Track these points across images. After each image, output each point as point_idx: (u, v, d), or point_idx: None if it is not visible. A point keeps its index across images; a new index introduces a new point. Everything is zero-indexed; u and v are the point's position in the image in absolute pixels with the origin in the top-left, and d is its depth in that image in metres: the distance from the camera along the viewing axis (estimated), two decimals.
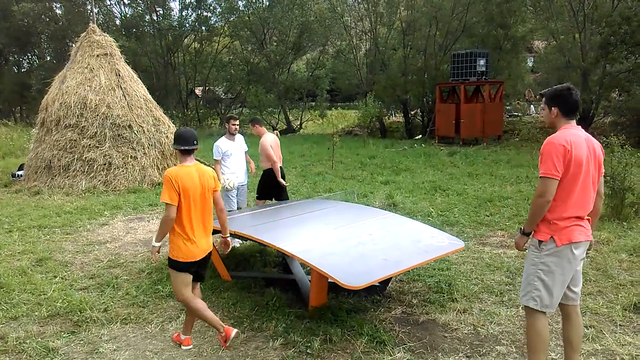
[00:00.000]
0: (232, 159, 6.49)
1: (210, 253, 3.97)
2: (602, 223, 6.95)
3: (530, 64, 26.14)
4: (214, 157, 6.44)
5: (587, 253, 3.30)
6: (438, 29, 20.95)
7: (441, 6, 20.58)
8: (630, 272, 5.28)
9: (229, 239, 4.17)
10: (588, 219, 3.21)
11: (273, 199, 6.87)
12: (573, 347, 3.30)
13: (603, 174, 3.30)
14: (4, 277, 5.44)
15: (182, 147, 3.82)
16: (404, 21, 22.33)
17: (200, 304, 3.83)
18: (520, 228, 3.29)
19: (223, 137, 6.61)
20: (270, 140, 6.67)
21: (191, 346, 3.98)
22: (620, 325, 4.14)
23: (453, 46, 20.76)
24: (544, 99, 3.27)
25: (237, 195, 6.67)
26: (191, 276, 3.85)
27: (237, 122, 6.66)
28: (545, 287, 3.13)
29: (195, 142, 3.86)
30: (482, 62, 17.60)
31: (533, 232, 3.20)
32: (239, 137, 6.71)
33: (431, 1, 20.83)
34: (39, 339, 4.11)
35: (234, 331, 3.85)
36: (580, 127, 3.21)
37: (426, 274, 5.35)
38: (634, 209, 7.13)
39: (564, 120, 3.18)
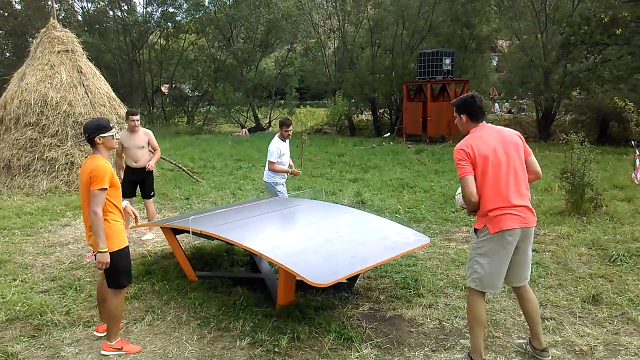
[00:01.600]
0: (284, 159, 6.75)
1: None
2: (563, 218, 7.17)
3: (495, 63, 26.68)
4: (271, 159, 6.57)
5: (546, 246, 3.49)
6: (405, 28, 21.18)
7: (408, 5, 20.82)
8: (589, 265, 5.46)
9: (101, 253, 3.60)
10: (526, 207, 3.43)
11: None
12: (533, 319, 3.63)
13: (531, 154, 3.57)
14: None
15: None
16: (371, 19, 22.49)
17: None
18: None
19: (276, 138, 6.72)
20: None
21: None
22: (579, 317, 4.27)
23: (420, 45, 21.03)
24: (454, 109, 3.64)
25: (283, 193, 6.79)
26: None
27: (291, 128, 6.82)
28: (482, 269, 3.44)
29: (84, 134, 3.76)
30: (447, 61, 17.89)
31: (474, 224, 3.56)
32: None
33: (398, 0, 21.03)
34: None
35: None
36: (489, 125, 3.55)
37: (393, 270, 5.41)
38: (593, 204, 7.37)
39: (473, 124, 3.56)
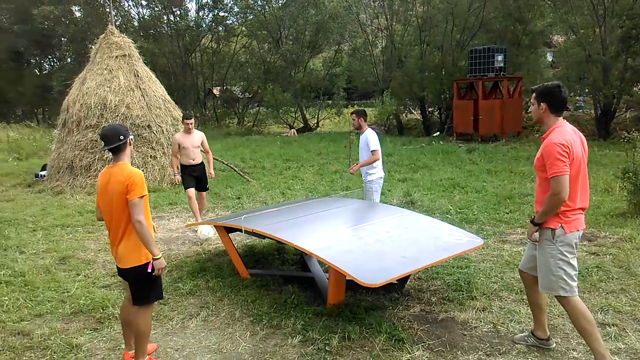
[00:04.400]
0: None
1: (133, 273, 3.50)
2: (625, 220, 6.84)
3: (550, 59, 25.73)
4: (375, 148, 6.33)
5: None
6: (455, 25, 20.76)
7: (458, 2, 20.40)
8: None
9: (157, 259, 3.48)
10: (585, 208, 3.45)
11: None
12: (542, 308, 3.70)
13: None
14: (28, 275, 5.57)
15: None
16: (420, 18, 22.19)
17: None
18: (532, 218, 3.48)
19: (371, 130, 6.55)
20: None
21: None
22: None
23: (470, 42, 20.56)
24: (533, 94, 3.43)
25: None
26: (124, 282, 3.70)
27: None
28: (567, 275, 3.35)
29: (119, 137, 3.51)
30: (500, 57, 17.40)
31: (542, 223, 3.41)
32: None
33: None
34: (63, 336, 4.20)
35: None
36: (566, 121, 3.40)
37: (445, 272, 5.33)
38: None
39: (553, 116, 3.37)
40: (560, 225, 3.32)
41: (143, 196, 3.43)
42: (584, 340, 3.43)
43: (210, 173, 7.80)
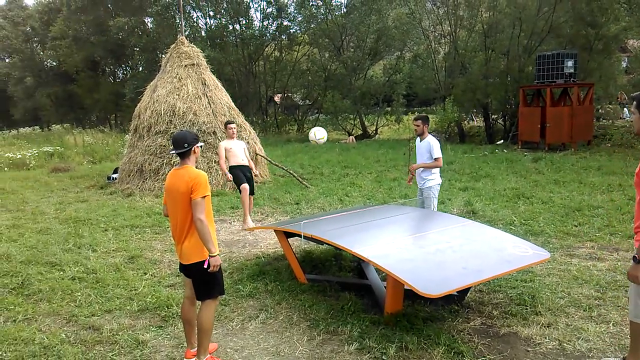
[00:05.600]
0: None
1: (196, 268, 3.66)
2: None
3: (624, 65, 24.36)
4: (439, 155, 6.32)
5: None
6: (522, 30, 20.10)
7: (526, 6, 19.75)
8: None
9: (213, 257, 3.60)
10: None
11: None
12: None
13: None
14: (100, 272, 5.90)
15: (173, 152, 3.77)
16: (485, 23, 21.66)
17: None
18: (634, 257, 3.13)
19: (433, 137, 6.55)
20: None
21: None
22: None
23: (538, 47, 19.83)
24: (634, 102, 3.16)
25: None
26: (186, 278, 3.85)
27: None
28: None
29: (184, 144, 3.69)
30: (570, 63, 16.67)
31: (638, 242, 3.10)
32: None
33: (515, 1, 20.05)
34: (130, 332, 4.41)
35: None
36: None
37: (508, 285, 5.15)
38: None
39: None
40: None
41: (205, 196, 3.59)
42: None
43: (255, 172, 8.40)
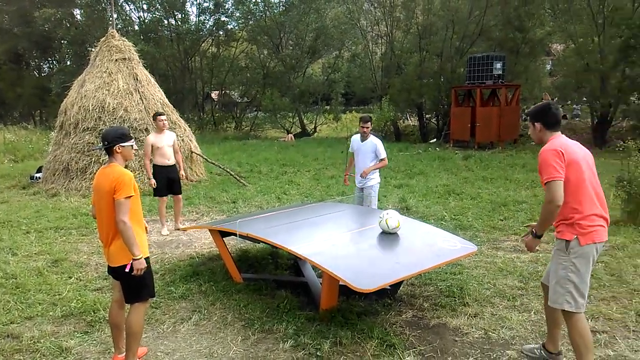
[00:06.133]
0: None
1: (124, 271, 3.50)
2: (618, 228, 6.85)
3: (549, 67, 25.83)
4: (385, 156, 6.60)
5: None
6: (455, 32, 20.86)
7: (458, 9, 20.50)
8: None
9: (137, 260, 3.47)
10: (606, 219, 3.35)
11: None
12: (557, 322, 3.57)
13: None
14: (20, 277, 5.54)
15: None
16: (420, 25, 22.28)
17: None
18: (532, 230, 3.43)
19: (376, 137, 6.69)
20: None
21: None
22: (633, 331, 4.08)
23: (470, 49, 20.65)
24: (528, 118, 3.52)
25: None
26: (115, 280, 3.71)
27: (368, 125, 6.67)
28: (576, 289, 3.27)
29: (104, 141, 3.59)
30: (498, 65, 17.48)
31: (558, 233, 3.35)
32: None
33: (448, 5, 20.75)
34: (53, 339, 4.18)
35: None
36: (563, 135, 3.43)
37: (438, 278, 5.33)
38: None
39: (549, 133, 3.42)
40: (575, 236, 3.22)
41: (130, 197, 3.46)
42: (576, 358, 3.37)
43: (182, 174, 7.70)
